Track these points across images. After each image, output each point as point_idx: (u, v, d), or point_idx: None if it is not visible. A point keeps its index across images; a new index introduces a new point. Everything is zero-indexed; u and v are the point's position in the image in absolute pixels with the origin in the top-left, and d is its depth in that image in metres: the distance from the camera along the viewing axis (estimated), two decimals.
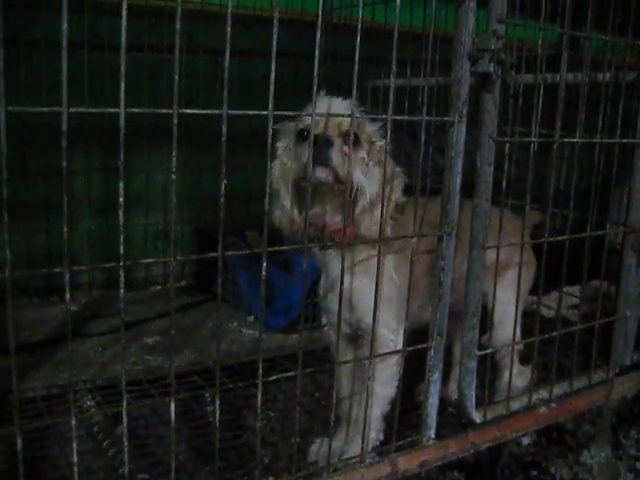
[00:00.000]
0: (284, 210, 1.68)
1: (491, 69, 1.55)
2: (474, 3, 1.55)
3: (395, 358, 1.76)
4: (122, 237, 1.21)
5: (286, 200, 1.67)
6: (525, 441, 2.52)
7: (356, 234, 1.68)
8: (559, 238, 1.88)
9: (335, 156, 1.54)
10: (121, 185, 1.17)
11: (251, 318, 2.94)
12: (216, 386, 1.39)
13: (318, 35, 1.33)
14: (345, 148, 1.56)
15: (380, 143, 1.68)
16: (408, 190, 1.73)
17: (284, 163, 1.67)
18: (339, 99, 1.61)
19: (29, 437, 1.87)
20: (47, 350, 2.39)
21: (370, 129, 1.68)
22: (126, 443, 1.32)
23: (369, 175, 1.65)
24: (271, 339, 2.70)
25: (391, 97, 1.45)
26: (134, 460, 1.84)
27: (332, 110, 1.56)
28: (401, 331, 1.74)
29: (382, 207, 1.57)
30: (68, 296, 1.20)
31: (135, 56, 2.81)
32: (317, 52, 1.31)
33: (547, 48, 1.87)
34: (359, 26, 1.35)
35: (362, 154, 1.64)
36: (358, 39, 1.35)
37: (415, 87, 2.26)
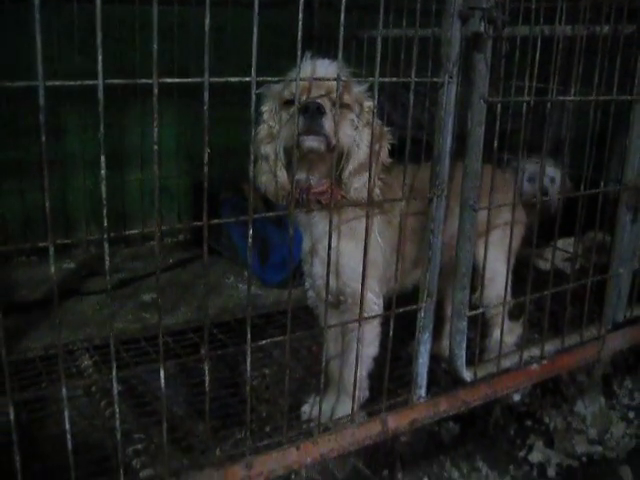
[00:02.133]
0: (271, 176, 1.66)
1: (482, 28, 1.51)
2: None
3: (377, 320, 1.78)
4: (105, 210, 1.21)
5: (275, 166, 1.64)
6: (517, 396, 2.55)
7: (343, 196, 1.66)
8: (553, 197, 1.88)
9: (327, 124, 1.51)
10: (102, 159, 1.16)
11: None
12: (205, 348, 1.41)
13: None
14: (334, 112, 1.53)
15: (368, 104, 1.65)
16: (403, 143, 1.70)
17: (271, 127, 1.64)
18: (325, 61, 1.57)
19: (30, 397, 1.91)
20: (45, 310, 2.41)
21: (357, 90, 1.65)
22: (117, 409, 1.34)
23: (358, 137, 1.63)
24: (267, 294, 2.72)
25: (377, 59, 1.41)
26: (132, 420, 1.87)
27: (318, 73, 1.52)
28: (382, 294, 1.75)
29: (370, 169, 1.55)
30: (53, 269, 1.21)
31: (127, 9, 2.76)
32: (300, 15, 1.28)
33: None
34: None
35: (351, 116, 1.61)
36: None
37: (412, 38, 2.20)
